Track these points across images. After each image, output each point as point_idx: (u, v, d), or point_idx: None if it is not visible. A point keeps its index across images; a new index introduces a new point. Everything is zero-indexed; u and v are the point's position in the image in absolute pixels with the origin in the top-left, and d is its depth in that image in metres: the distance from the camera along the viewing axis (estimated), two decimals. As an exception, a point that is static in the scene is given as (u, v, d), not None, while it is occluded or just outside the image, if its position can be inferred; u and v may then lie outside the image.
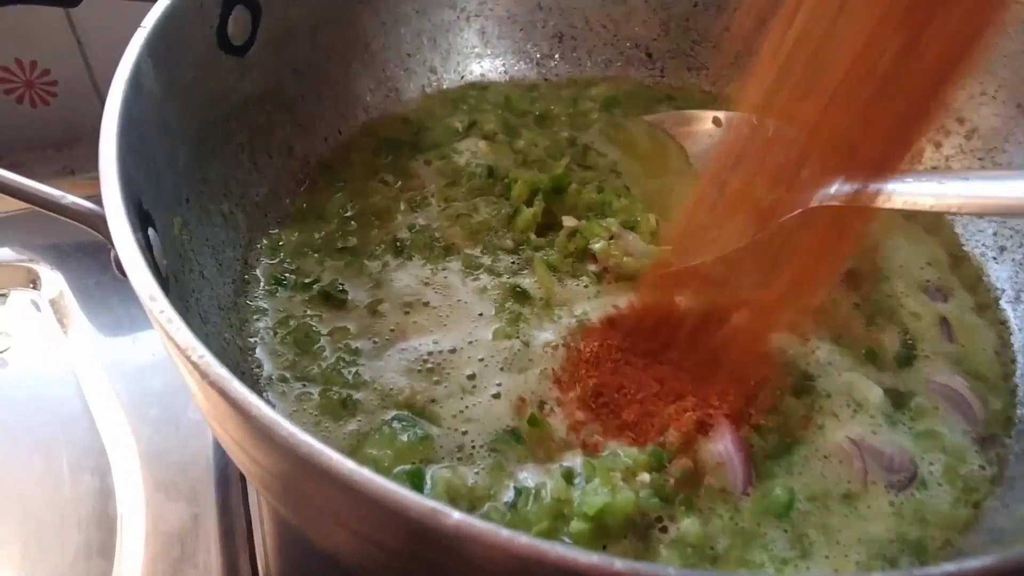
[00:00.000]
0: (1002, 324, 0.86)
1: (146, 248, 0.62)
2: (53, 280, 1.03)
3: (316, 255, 0.86)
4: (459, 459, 0.71)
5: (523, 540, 0.41)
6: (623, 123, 1.05)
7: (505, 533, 0.41)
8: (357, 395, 0.75)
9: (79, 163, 1.22)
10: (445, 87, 1.08)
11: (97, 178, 0.61)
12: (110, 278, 1.01)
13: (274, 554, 0.79)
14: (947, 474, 0.74)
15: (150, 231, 0.65)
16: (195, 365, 0.48)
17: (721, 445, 0.71)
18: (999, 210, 0.71)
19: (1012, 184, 0.71)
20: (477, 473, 0.70)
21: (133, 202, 0.63)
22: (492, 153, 0.97)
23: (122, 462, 0.87)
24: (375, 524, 0.46)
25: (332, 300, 0.82)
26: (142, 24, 0.73)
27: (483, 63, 1.10)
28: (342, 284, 0.83)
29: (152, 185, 0.70)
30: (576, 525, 0.66)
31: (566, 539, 0.66)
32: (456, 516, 0.41)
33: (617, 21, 1.11)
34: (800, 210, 0.82)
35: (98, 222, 0.63)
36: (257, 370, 0.77)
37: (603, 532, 0.67)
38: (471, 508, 0.68)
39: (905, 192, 0.76)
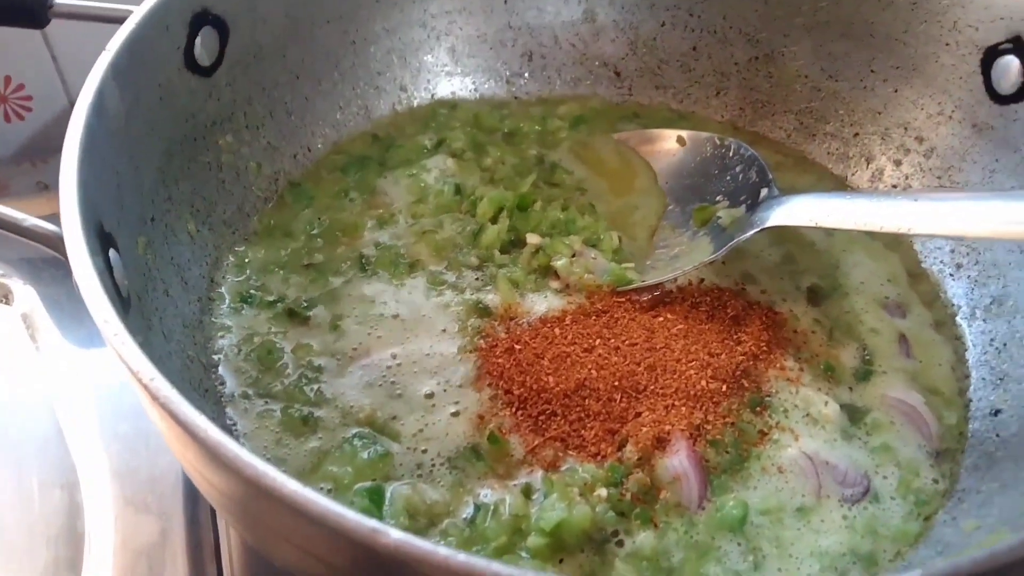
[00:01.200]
0: (958, 340, 0.88)
1: (106, 270, 0.63)
2: (25, 295, 1.03)
3: (282, 272, 0.87)
4: (419, 476, 0.72)
5: (460, 559, 0.42)
6: (592, 141, 1.07)
7: (443, 552, 0.42)
8: (319, 412, 0.75)
9: (54, 178, 1.20)
10: (415, 105, 1.09)
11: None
12: (82, 294, 1.02)
13: (241, 569, 0.80)
14: (900, 488, 0.75)
15: (111, 252, 0.66)
16: (145, 387, 0.49)
17: (677, 460, 0.72)
18: (950, 233, 0.73)
19: (962, 205, 0.73)
20: (437, 490, 0.71)
21: (93, 225, 0.64)
22: (460, 171, 0.98)
23: (92, 478, 0.87)
24: (321, 544, 0.47)
25: (296, 317, 0.83)
26: (106, 47, 0.73)
27: (453, 81, 1.11)
28: (306, 301, 0.84)
29: (115, 206, 0.71)
30: (534, 540, 0.67)
31: (524, 554, 0.67)
32: (394, 535, 0.42)
33: (586, 40, 1.12)
34: (759, 229, 0.84)
35: (59, 244, 0.64)
36: (220, 387, 0.77)
37: (560, 547, 0.68)
38: (430, 524, 0.69)
39: (858, 213, 0.78)
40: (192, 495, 0.86)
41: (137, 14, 0.76)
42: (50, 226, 0.65)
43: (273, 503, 0.45)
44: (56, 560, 0.81)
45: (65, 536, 0.83)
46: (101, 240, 0.65)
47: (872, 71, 1.00)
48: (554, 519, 0.67)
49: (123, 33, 0.75)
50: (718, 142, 0.98)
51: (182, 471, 0.87)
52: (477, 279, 0.87)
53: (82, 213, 0.61)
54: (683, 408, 0.75)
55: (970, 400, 0.83)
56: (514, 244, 0.91)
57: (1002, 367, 0.83)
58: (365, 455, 0.72)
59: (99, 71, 0.71)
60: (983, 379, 0.84)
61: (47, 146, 1.25)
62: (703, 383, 0.77)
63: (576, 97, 1.13)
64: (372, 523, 0.43)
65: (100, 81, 0.71)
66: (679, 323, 0.82)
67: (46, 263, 1.07)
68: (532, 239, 0.90)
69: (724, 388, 0.78)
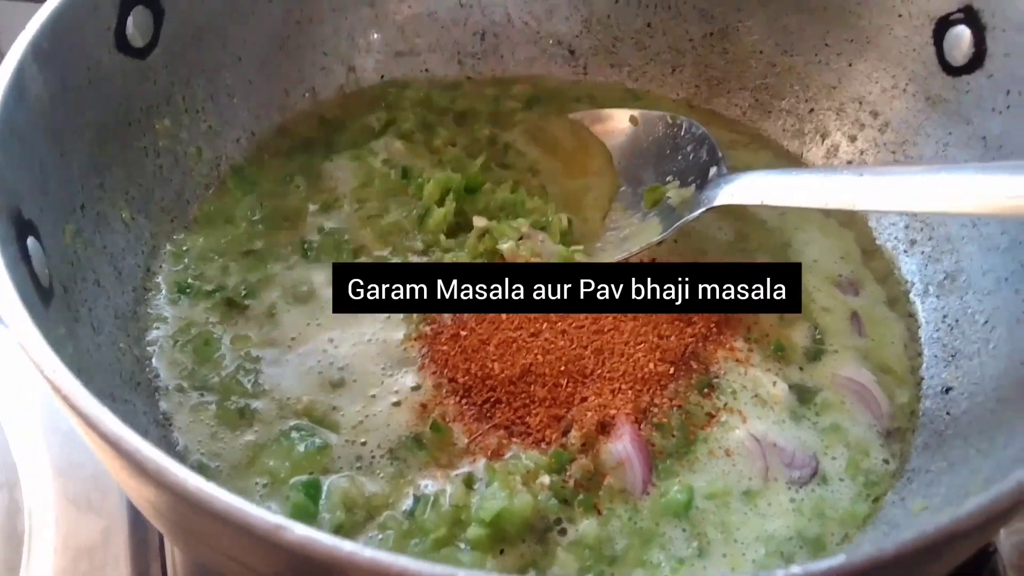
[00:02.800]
0: (911, 317, 0.87)
1: (20, 258, 0.60)
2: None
3: (221, 259, 0.85)
4: (358, 468, 0.70)
5: (366, 554, 0.40)
6: (548, 122, 1.04)
7: (346, 547, 0.40)
8: (256, 404, 0.73)
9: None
10: (364, 86, 1.06)
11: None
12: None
13: (185, 569, 0.78)
14: (850, 468, 0.74)
15: (30, 240, 0.63)
16: (48, 379, 0.47)
17: (620, 445, 0.70)
18: (897, 208, 0.72)
19: (909, 180, 0.72)
20: (376, 482, 0.69)
21: (9, 211, 0.61)
22: (408, 153, 0.96)
23: (32, 475, 0.84)
24: (232, 544, 0.45)
25: (235, 307, 0.81)
26: (26, 27, 0.71)
27: (403, 61, 1.08)
28: (245, 289, 0.82)
29: (37, 193, 0.68)
30: (473, 531, 0.65)
31: (463, 545, 0.66)
32: (298, 532, 0.40)
33: (539, 18, 1.10)
34: (705, 208, 0.83)
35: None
36: (154, 380, 0.75)
37: (501, 537, 0.66)
38: (368, 518, 0.67)
39: (804, 190, 0.77)
40: (137, 491, 0.84)
41: (59, -7, 0.73)
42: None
43: (177, 499, 0.43)
44: (-8, 561, 0.79)
45: (4, 535, 0.80)
46: (18, 227, 0.62)
47: (827, 44, 0.99)
48: (494, 508, 0.65)
49: (44, 12, 0.72)
50: (670, 121, 0.96)
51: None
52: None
53: (-7, 200, 0.59)
54: (629, 392, 0.74)
55: (922, 378, 0.82)
56: (462, 228, 0.89)
57: (954, 344, 0.82)
58: (302, 448, 0.70)
59: (18, 51, 0.68)
60: (935, 356, 0.83)
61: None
62: (651, 365, 0.76)
63: (530, 77, 1.10)
64: (277, 520, 0.41)
65: (19, 62, 0.68)
66: (629, 304, 0.81)
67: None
68: (479, 222, 0.87)
69: (672, 370, 0.76)
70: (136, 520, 0.81)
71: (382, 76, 1.07)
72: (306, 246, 0.86)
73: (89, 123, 0.78)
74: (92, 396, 0.47)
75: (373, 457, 0.71)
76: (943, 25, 0.86)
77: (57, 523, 0.81)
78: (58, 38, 0.72)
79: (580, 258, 0.85)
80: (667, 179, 0.92)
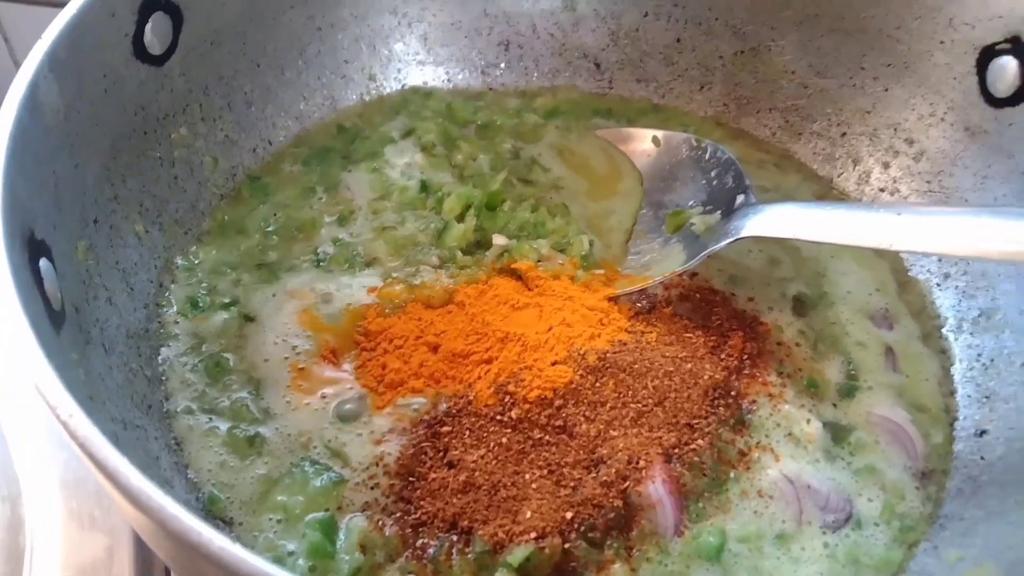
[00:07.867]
0: (943, 353, 0.84)
1: (33, 284, 0.58)
2: (-31, 293, 0.97)
3: (234, 273, 0.82)
4: (377, 505, 0.67)
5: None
6: (574, 139, 1.01)
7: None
8: (267, 432, 0.71)
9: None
10: (384, 94, 1.04)
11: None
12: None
13: (191, 591, 0.76)
14: (884, 512, 0.71)
15: (43, 262, 0.61)
16: (64, 424, 0.45)
17: (652, 487, 0.68)
18: (935, 251, 0.69)
19: (948, 222, 0.69)
20: (396, 522, 0.66)
21: (23, 234, 0.59)
22: (428, 166, 0.93)
23: (36, 489, 0.82)
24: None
25: (250, 321, 0.78)
26: (42, 36, 0.68)
27: (425, 71, 1.06)
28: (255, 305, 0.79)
29: (51, 209, 0.65)
30: (500, 576, 0.63)
31: (490, 591, 0.63)
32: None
33: (565, 30, 1.07)
34: (732, 240, 0.80)
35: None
36: (166, 401, 0.72)
37: (529, 582, 0.64)
38: (389, 560, 0.64)
39: (837, 227, 0.74)
40: (143, 508, 0.81)
41: (78, -1, 0.70)
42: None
43: (191, 552, 0.41)
44: (-9, 578, 0.77)
45: (4, 551, 0.78)
46: (31, 250, 0.60)
47: (862, 68, 0.96)
48: (522, 553, 0.63)
49: (62, 20, 0.69)
50: (695, 143, 0.93)
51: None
52: (435, 280, 0.82)
53: (7, 222, 0.56)
54: (660, 429, 0.71)
55: (956, 418, 0.79)
56: (480, 244, 0.87)
57: (989, 384, 0.80)
58: (318, 483, 0.67)
59: (33, 62, 0.66)
60: (969, 396, 0.80)
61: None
62: (683, 400, 0.73)
63: (554, 89, 1.07)
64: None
65: (34, 73, 0.65)
66: (662, 333, 0.78)
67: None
68: (498, 240, 0.85)
69: (704, 405, 0.74)
70: (142, 539, 0.79)
71: (403, 85, 1.05)
72: (318, 256, 0.84)
73: (104, 133, 0.76)
74: (114, 447, 0.44)
75: (388, 496, 0.68)
76: (988, 55, 0.84)
77: (60, 540, 0.78)
78: (75, 46, 0.70)
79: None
80: (690, 204, 0.89)
